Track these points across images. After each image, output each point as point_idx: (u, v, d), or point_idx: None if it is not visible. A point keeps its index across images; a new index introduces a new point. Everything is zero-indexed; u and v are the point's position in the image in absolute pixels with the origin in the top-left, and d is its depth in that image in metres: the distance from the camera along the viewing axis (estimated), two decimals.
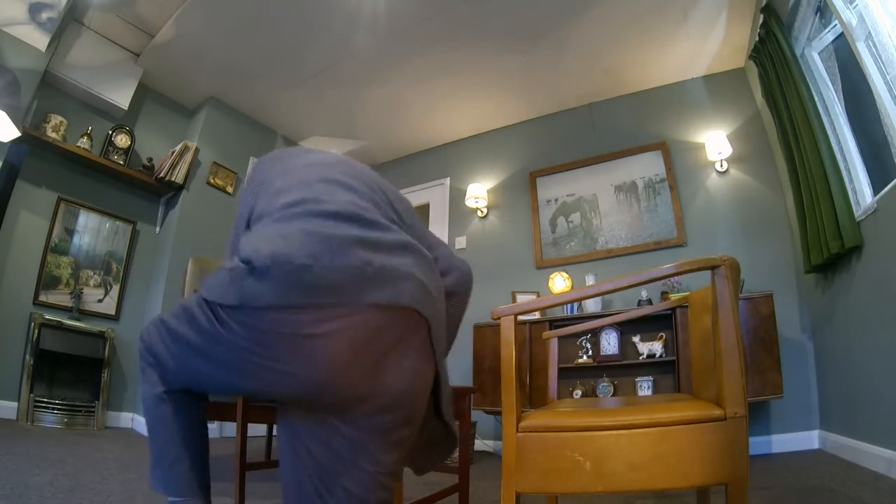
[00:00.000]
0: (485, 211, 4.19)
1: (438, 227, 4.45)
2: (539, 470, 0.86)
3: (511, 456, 0.88)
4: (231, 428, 3.42)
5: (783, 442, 2.70)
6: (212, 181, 3.85)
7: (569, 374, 3.14)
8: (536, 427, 0.89)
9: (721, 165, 3.31)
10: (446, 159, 4.61)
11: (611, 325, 3.08)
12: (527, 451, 0.88)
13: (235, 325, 0.71)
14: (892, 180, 1.86)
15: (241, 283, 0.70)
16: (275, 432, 2.69)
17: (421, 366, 0.80)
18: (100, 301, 3.38)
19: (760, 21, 2.75)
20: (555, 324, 3.17)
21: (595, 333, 3.14)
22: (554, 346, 1.55)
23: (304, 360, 0.71)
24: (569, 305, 3.37)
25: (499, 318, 0.95)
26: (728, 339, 0.80)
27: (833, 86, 2.46)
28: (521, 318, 2.62)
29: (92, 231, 3.42)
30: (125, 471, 2.03)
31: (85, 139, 3.30)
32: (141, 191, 3.72)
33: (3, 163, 2.78)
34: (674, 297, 2.99)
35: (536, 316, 3.28)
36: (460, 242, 4.24)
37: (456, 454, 2.91)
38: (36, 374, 2.84)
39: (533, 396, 2.99)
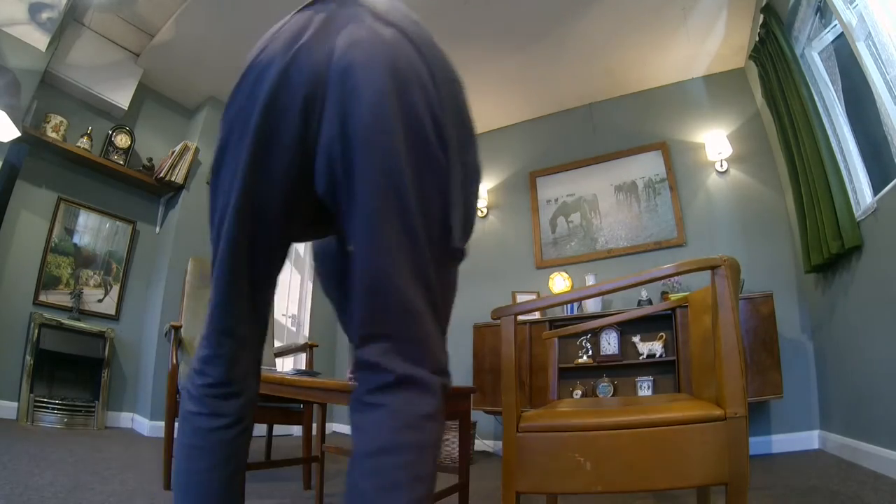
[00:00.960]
0: (485, 211, 4.19)
1: None
2: (539, 470, 0.87)
3: (511, 456, 0.89)
4: None
5: (783, 442, 2.70)
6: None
7: (569, 374, 3.14)
8: (536, 427, 0.90)
9: (721, 165, 3.31)
10: None
11: (611, 325, 3.08)
12: (527, 450, 0.88)
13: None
14: (892, 180, 1.86)
15: None
16: (275, 432, 2.70)
17: (383, 36, 0.66)
18: (100, 301, 3.38)
19: (760, 21, 2.75)
20: (555, 324, 3.17)
21: (595, 333, 3.14)
22: (554, 346, 1.55)
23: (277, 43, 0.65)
24: (569, 305, 3.37)
25: (499, 318, 0.95)
26: (728, 339, 0.80)
27: (833, 86, 2.46)
28: (521, 318, 2.62)
29: (92, 231, 3.42)
30: (125, 471, 2.03)
31: (85, 139, 3.30)
32: (141, 191, 3.72)
33: (3, 163, 2.78)
34: (674, 297, 2.99)
35: (536, 316, 3.28)
36: None
37: (456, 453, 2.91)
38: (36, 374, 2.84)
39: (533, 396, 2.99)
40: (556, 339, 1.58)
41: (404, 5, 0.75)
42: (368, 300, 0.63)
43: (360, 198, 0.62)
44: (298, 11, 0.68)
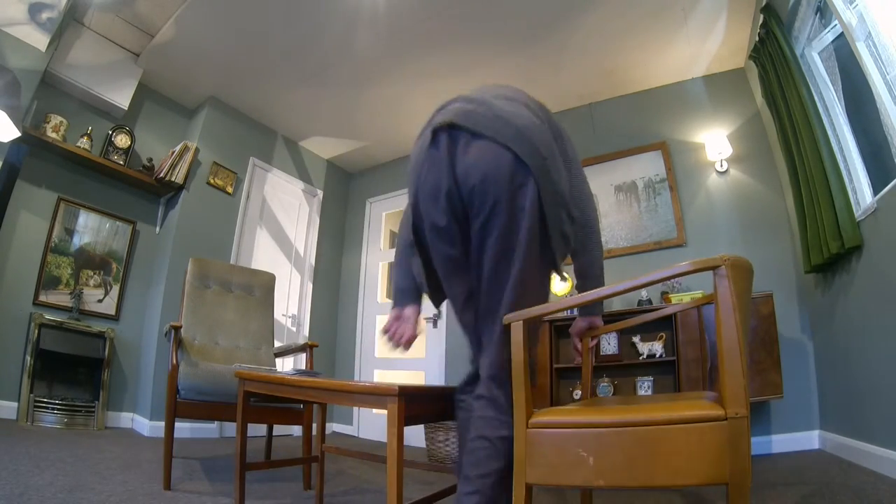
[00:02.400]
0: None
1: None
2: (546, 463, 0.92)
3: (521, 450, 0.94)
4: (231, 428, 3.42)
5: (783, 442, 2.71)
6: (212, 181, 3.86)
7: (569, 374, 3.14)
8: (544, 423, 0.94)
9: (721, 165, 3.31)
10: None
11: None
12: (536, 445, 0.94)
13: None
14: (892, 180, 1.86)
15: None
16: (275, 432, 2.70)
17: (482, 152, 1.07)
18: (100, 301, 3.38)
19: (760, 21, 2.75)
20: (555, 324, 3.18)
21: None
22: (588, 344, 1.55)
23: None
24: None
25: (509, 324, 1.00)
26: (729, 339, 0.81)
27: (833, 86, 2.46)
28: None
29: (92, 231, 3.42)
30: (125, 471, 2.03)
31: (85, 139, 3.30)
32: (141, 191, 3.72)
33: (3, 163, 2.78)
34: (673, 297, 2.99)
35: None
36: None
37: (456, 453, 2.91)
38: (36, 374, 2.84)
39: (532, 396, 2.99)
40: (588, 339, 1.58)
41: (495, 105, 1.13)
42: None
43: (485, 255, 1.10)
44: (432, 146, 1.12)
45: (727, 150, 3.24)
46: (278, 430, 3.00)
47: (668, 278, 0.90)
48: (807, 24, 2.51)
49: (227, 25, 3.23)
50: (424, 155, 1.13)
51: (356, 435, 4.29)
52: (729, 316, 0.81)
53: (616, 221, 3.60)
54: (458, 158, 1.09)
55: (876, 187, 2.16)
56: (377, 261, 4.79)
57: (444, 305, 4.09)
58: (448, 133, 1.11)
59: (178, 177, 3.58)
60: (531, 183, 1.05)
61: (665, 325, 2.89)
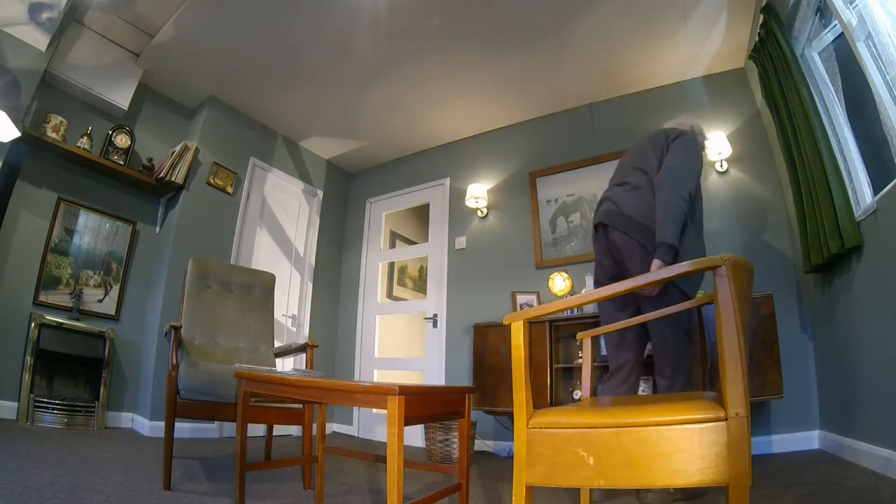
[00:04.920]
0: (485, 211, 4.19)
1: (438, 228, 4.45)
2: (546, 463, 0.92)
3: (521, 450, 0.95)
4: (231, 428, 3.43)
5: (783, 442, 2.71)
6: (212, 181, 3.86)
7: (569, 374, 3.14)
8: (544, 423, 0.94)
9: (721, 165, 3.31)
10: (446, 159, 4.62)
11: None
12: (536, 445, 0.94)
13: None
14: (892, 180, 1.86)
15: None
16: (275, 432, 2.70)
17: (616, 239, 2.01)
18: (100, 301, 3.38)
19: (760, 21, 2.75)
20: (554, 324, 3.18)
21: None
22: (587, 345, 1.56)
23: None
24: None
25: (509, 324, 1.00)
26: (730, 339, 0.81)
27: (833, 86, 2.46)
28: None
29: (92, 231, 3.42)
30: (125, 471, 2.03)
31: (85, 139, 3.30)
32: (141, 191, 3.72)
33: (3, 163, 2.78)
34: None
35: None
36: (460, 242, 4.24)
37: (456, 453, 2.91)
38: (36, 374, 2.84)
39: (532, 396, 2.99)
40: (589, 339, 1.58)
41: (623, 203, 2.05)
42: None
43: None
44: (596, 234, 2.14)
45: (727, 150, 3.24)
46: (278, 430, 3.00)
47: (669, 278, 0.90)
48: (807, 24, 2.51)
49: (227, 25, 3.23)
50: (594, 238, 2.15)
51: (356, 435, 4.29)
52: (729, 316, 0.82)
53: None
54: (609, 240, 2.03)
55: (876, 187, 2.15)
56: (377, 261, 4.79)
57: (443, 308, 4.09)
58: (602, 226, 2.08)
59: (178, 177, 3.58)
60: (640, 245, 1.92)
61: None
